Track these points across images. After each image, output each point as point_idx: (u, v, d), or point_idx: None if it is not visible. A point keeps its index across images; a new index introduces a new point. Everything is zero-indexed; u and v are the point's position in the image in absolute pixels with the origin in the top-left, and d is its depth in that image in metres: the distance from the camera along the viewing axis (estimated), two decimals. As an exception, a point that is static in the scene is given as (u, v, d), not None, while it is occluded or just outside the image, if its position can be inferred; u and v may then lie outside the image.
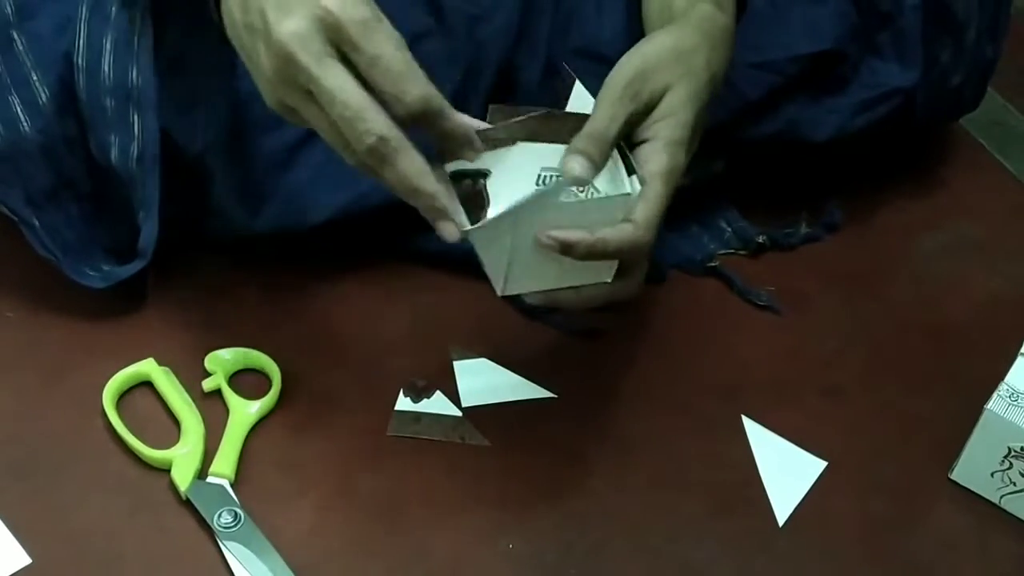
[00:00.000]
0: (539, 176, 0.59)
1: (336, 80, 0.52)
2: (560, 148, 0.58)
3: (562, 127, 0.59)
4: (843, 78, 0.80)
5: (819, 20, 0.78)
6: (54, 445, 0.64)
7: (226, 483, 0.62)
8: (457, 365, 0.70)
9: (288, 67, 0.52)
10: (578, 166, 0.57)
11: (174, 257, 0.73)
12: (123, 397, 0.67)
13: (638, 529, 0.63)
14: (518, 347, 0.72)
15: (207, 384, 0.67)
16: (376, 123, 0.52)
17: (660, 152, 0.59)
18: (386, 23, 0.53)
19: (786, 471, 0.66)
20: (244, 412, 0.65)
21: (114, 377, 0.66)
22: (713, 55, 0.62)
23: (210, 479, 0.62)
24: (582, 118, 0.59)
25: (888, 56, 0.80)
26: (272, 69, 0.53)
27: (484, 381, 0.70)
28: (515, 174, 0.58)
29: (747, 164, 0.81)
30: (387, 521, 0.62)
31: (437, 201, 0.55)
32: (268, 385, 0.68)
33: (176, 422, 0.65)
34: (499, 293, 0.60)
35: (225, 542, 0.59)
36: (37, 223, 0.67)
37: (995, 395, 0.63)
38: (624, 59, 0.60)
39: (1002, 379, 0.64)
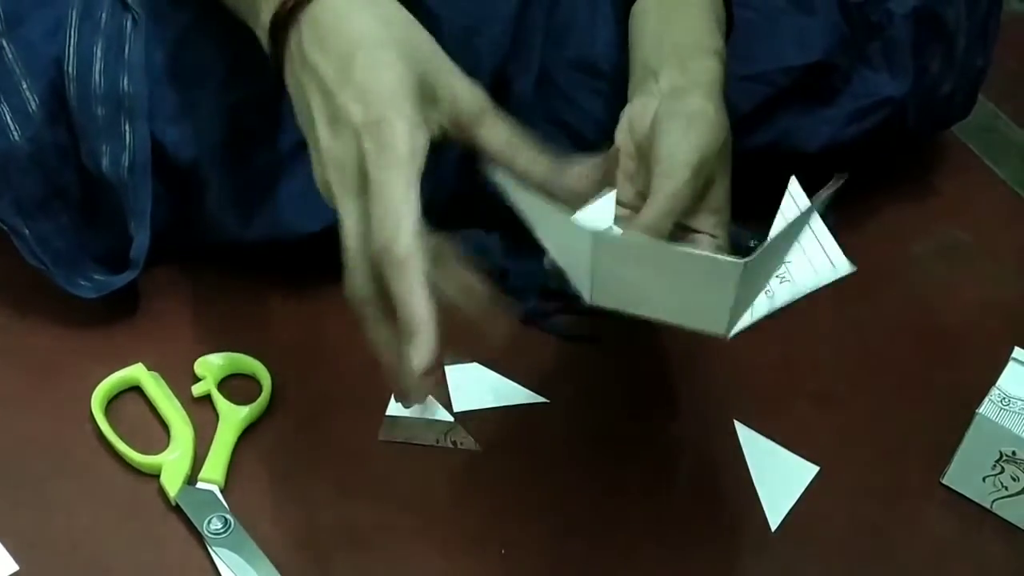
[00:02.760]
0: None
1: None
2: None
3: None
4: (834, 88, 0.80)
5: (809, 31, 0.79)
6: (42, 451, 0.64)
7: (216, 489, 0.61)
8: (449, 370, 0.70)
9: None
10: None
11: (164, 263, 0.73)
12: (112, 402, 0.66)
13: (631, 534, 0.62)
14: (510, 352, 0.72)
15: (197, 389, 0.66)
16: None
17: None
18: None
19: (778, 476, 0.66)
20: (234, 417, 0.65)
21: (103, 382, 0.66)
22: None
23: (200, 485, 0.62)
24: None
25: (879, 66, 0.81)
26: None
27: (476, 386, 0.70)
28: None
29: (740, 174, 0.81)
30: (378, 527, 0.61)
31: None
32: (258, 390, 0.67)
33: (165, 427, 0.65)
34: (587, 301, 0.52)
35: (215, 548, 0.58)
36: (27, 232, 0.67)
37: (987, 399, 0.63)
38: (678, 145, 0.58)
39: (993, 384, 0.64)
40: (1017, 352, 0.66)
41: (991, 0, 0.85)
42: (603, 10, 0.77)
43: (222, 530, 0.59)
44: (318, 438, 0.66)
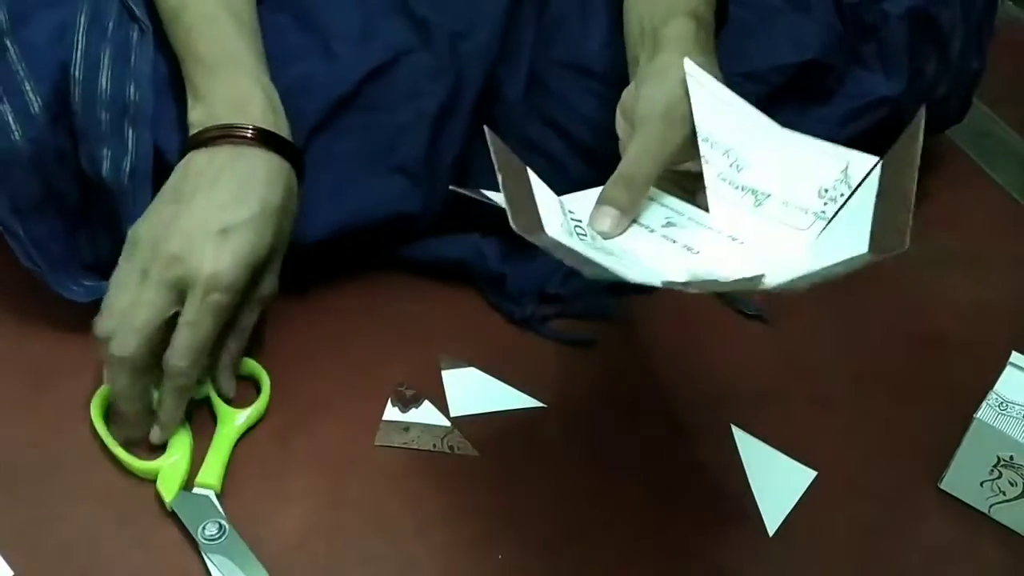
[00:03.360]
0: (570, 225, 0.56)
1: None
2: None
3: None
4: (829, 88, 0.80)
5: (804, 30, 0.79)
6: (38, 456, 0.63)
7: (212, 494, 0.61)
8: (446, 374, 0.70)
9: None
10: (608, 222, 0.57)
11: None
12: (110, 407, 0.66)
13: (628, 539, 0.62)
14: (508, 356, 0.72)
15: (195, 393, 0.66)
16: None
17: None
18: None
19: (776, 481, 0.66)
20: (232, 422, 0.65)
21: (102, 387, 0.65)
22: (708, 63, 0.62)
23: (196, 490, 0.61)
24: None
25: (873, 67, 0.81)
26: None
27: (473, 391, 0.69)
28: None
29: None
30: (375, 532, 0.61)
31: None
32: (256, 393, 0.67)
33: None
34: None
35: (209, 555, 0.58)
36: (22, 233, 0.67)
37: (984, 404, 0.63)
38: (647, 100, 0.59)
39: (991, 388, 0.64)
40: (1015, 356, 0.66)
41: (986, 3, 0.85)
42: (593, 11, 0.77)
43: (217, 536, 0.59)
44: (315, 443, 0.65)
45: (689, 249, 0.57)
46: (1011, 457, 0.62)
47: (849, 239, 0.49)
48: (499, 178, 0.51)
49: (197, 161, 0.63)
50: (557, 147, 0.76)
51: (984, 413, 0.63)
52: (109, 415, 0.65)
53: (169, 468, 0.62)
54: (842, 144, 0.79)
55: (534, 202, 0.54)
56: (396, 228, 0.74)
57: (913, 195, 0.47)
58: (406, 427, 0.67)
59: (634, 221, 0.58)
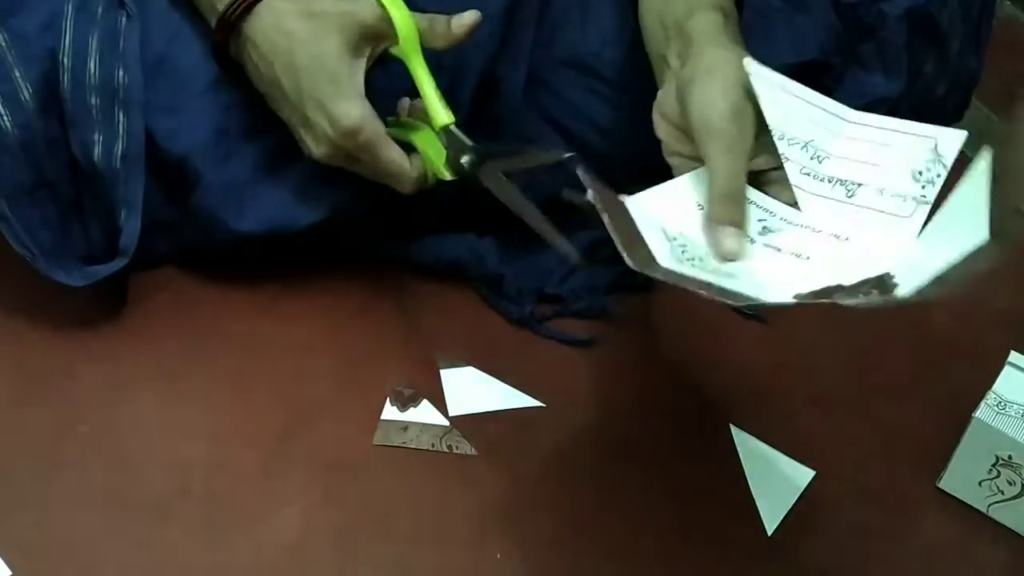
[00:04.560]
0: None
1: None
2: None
3: None
4: (828, 88, 0.80)
5: (804, 30, 0.79)
6: (34, 455, 0.63)
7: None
8: (444, 374, 0.70)
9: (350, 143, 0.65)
10: (732, 242, 0.55)
11: (154, 266, 0.72)
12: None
13: (626, 538, 0.62)
14: (506, 355, 0.72)
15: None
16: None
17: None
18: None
19: (774, 480, 0.66)
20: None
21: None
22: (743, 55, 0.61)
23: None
24: None
25: (872, 67, 0.81)
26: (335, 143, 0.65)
27: (471, 390, 0.69)
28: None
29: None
30: (373, 531, 0.61)
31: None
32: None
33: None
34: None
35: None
36: (14, 218, 0.67)
37: (983, 403, 0.63)
38: (703, 104, 0.58)
39: (989, 388, 0.64)
40: (1013, 357, 0.66)
41: (984, 2, 0.85)
42: (593, 8, 0.77)
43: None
44: (314, 442, 0.65)
45: (798, 256, 0.55)
46: (1009, 456, 0.62)
47: (962, 229, 0.47)
48: (604, 217, 0.50)
49: (262, 47, 0.65)
50: (556, 145, 0.76)
51: (983, 413, 0.63)
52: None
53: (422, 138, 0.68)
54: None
55: (641, 235, 0.53)
56: (390, 221, 0.74)
57: None
58: (405, 426, 0.67)
59: None
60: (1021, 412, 0.63)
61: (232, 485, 0.62)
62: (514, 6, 0.75)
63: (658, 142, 0.63)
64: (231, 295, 0.73)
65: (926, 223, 0.54)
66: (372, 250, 0.75)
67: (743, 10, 0.74)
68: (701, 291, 0.49)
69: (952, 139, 0.55)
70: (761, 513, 0.64)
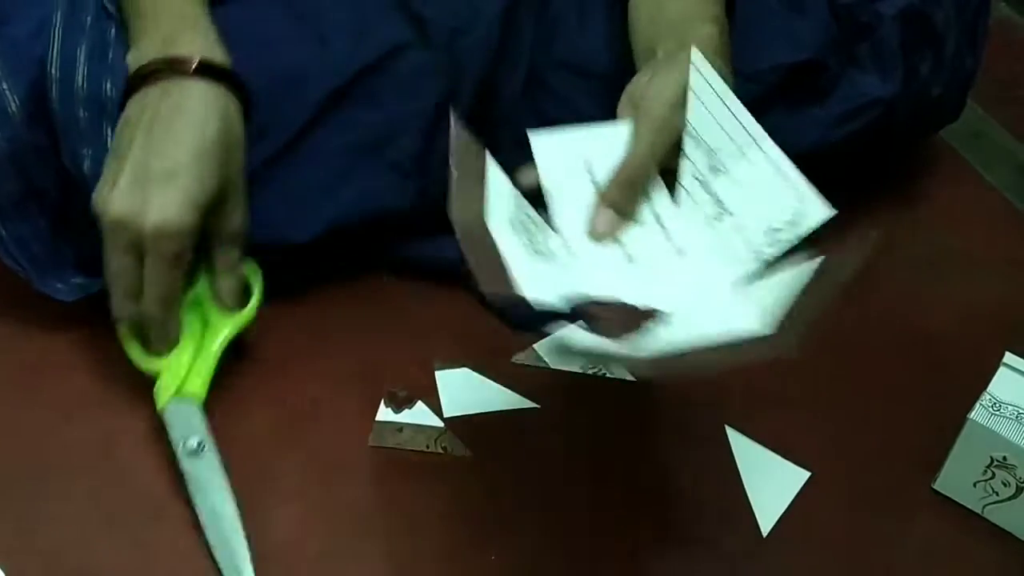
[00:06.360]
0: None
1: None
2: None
3: None
4: (823, 89, 0.80)
5: (799, 30, 0.79)
6: (29, 457, 0.63)
7: (198, 404, 0.63)
8: (439, 375, 0.70)
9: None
10: (603, 223, 0.57)
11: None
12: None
13: (622, 540, 0.62)
14: (501, 357, 0.71)
15: (188, 297, 0.67)
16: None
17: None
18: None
19: (770, 481, 0.66)
20: (220, 330, 0.66)
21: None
22: (728, 75, 0.62)
23: (181, 399, 0.63)
24: None
25: (868, 67, 0.81)
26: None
27: (466, 391, 0.69)
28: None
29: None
30: (368, 532, 0.61)
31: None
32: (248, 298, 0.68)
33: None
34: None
35: (184, 466, 0.61)
36: (4, 232, 0.66)
37: (977, 405, 0.63)
38: (659, 85, 0.59)
39: (984, 389, 0.64)
40: (1008, 358, 0.66)
41: (980, 2, 0.85)
42: (592, 10, 0.77)
43: (196, 449, 0.61)
44: (308, 443, 0.65)
45: (630, 259, 0.57)
46: (1004, 458, 0.62)
47: (751, 312, 0.49)
48: (452, 158, 0.52)
49: (131, 109, 0.63)
50: None
51: (977, 414, 0.63)
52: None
53: (170, 368, 0.64)
54: (836, 145, 0.79)
55: (484, 193, 0.54)
56: (390, 226, 0.73)
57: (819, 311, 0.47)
58: (399, 428, 0.67)
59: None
60: (1016, 413, 0.63)
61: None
62: (513, 8, 0.75)
63: None
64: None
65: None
66: (367, 251, 0.75)
67: (736, 10, 0.74)
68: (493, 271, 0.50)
69: (817, 212, 0.55)
70: (756, 514, 0.64)
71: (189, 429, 0.62)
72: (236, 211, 0.65)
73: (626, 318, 0.53)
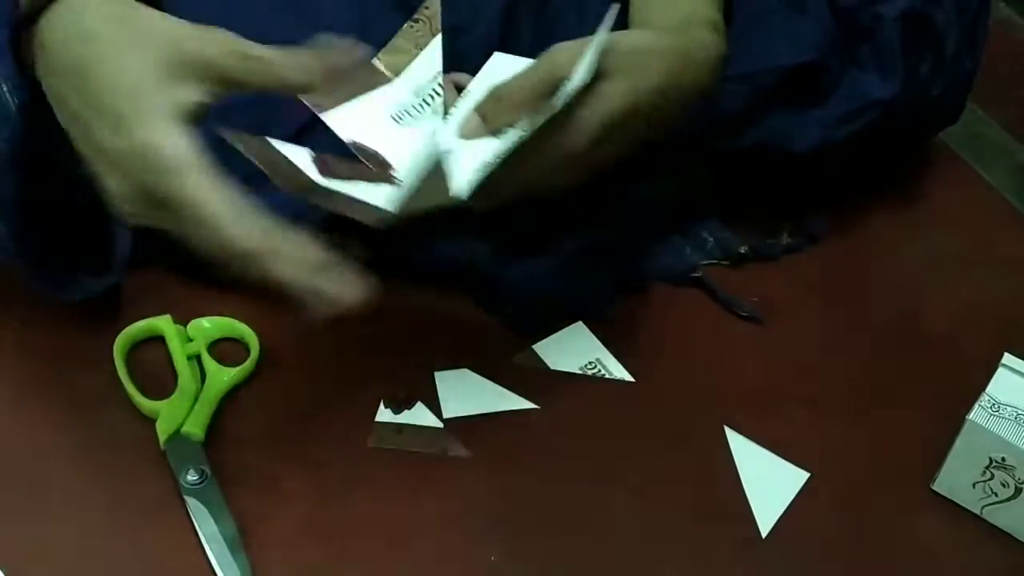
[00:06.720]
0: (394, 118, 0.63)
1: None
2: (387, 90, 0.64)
3: None
4: (824, 90, 0.80)
5: (799, 32, 0.79)
6: (29, 456, 0.63)
7: (197, 443, 0.64)
8: (439, 376, 0.70)
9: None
10: (468, 128, 0.59)
11: (148, 269, 0.72)
12: (134, 350, 0.69)
13: (621, 540, 0.62)
14: (501, 358, 0.71)
15: (188, 349, 0.68)
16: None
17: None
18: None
19: (769, 482, 0.66)
20: (220, 378, 0.67)
21: (128, 328, 0.68)
22: (685, 74, 0.61)
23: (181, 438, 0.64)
24: None
25: (868, 68, 0.81)
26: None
27: (466, 392, 0.69)
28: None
29: (729, 175, 0.81)
30: (366, 534, 0.61)
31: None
32: (246, 354, 0.69)
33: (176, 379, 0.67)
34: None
35: (187, 498, 0.61)
36: (5, 232, 0.67)
37: (976, 405, 0.63)
38: (594, 43, 0.59)
39: (983, 390, 0.64)
40: (1007, 358, 0.66)
41: (980, 3, 0.85)
42: (591, 10, 0.77)
43: (198, 482, 0.61)
44: (306, 445, 0.65)
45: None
46: (1003, 459, 0.62)
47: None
48: (251, 158, 0.55)
49: (48, 81, 0.54)
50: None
51: (976, 414, 0.63)
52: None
53: (168, 411, 0.64)
54: (837, 146, 0.79)
55: (290, 162, 0.58)
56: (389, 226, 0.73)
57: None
58: (398, 429, 0.67)
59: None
60: (1015, 414, 0.63)
61: (225, 487, 0.62)
62: (512, 7, 0.75)
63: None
64: (222, 304, 0.72)
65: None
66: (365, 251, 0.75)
67: (736, 11, 0.74)
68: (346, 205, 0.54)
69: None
70: (755, 515, 0.64)
71: (189, 463, 0.62)
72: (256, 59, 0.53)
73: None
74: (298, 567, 0.59)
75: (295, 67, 0.53)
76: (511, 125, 0.60)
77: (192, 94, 0.50)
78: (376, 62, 0.66)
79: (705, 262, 0.79)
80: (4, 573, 0.58)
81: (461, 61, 0.73)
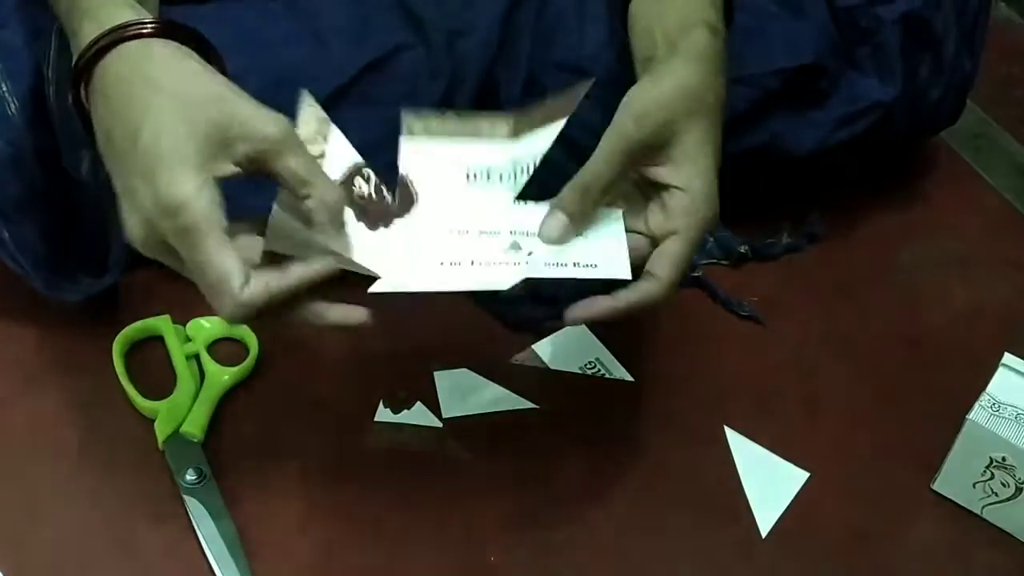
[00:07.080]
0: (468, 174, 0.59)
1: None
2: (487, 146, 0.59)
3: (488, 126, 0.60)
4: (824, 92, 0.80)
5: (800, 34, 0.79)
6: (25, 454, 0.63)
7: (197, 442, 0.64)
8: (438, 376, 0.70)
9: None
10: (556, 229, 0.56)
11: (146, 267, 0.72)
12: (133, 350, 0.69)
13: (620, 540, 0.62)
14: (499, 358, 0.71)
15: (186, 349, 0.69)
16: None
17: (686, 203, 0.58)
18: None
19: (769, 482, 0.66)
20: (219, 378, 0.67)
21: (128, 327, 0.69)
22: (717, 83, 0.61)
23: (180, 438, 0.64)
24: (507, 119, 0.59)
25: (868, 71, 0.81)
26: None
27: (465, 392, 0.69)
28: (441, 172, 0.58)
29: (729, 176, 0.81)
30: (366, 532, 0.61)
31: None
32: (245, 353, 0.69)
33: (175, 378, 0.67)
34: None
35: (185, 497, 0.61)
36: (6, 235, 0.66)
37: (976, 405, 0.63)
38: (628, 103, 0.58)
39: (983, 389, 0.64)
40: (1007, 358, 0.66)
41: (979, 4, 0.85)
42: (591, 12, 0.77)
43: (196, 481, 0.62)
44: (306, 444, 0.65)
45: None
46: (1003, 458, 0.62)
47: None
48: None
49: (98, 111, 0.54)
50: (554, 150, 0.76)
51: (976, 414, 0.63)
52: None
53: (167, 411, 0.64)
54: (837, 148, 0.79)
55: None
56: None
57: None
58: (398, 428, 0.67)
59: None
60: (1015, 414, 0.63)
61: (225, 484, 0.62)
62: (512, 10, 0.75)
63: None
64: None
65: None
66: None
67: (736, 14, 0.74)
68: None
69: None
70: (755, 514, 0.64)
71: (188, 463, 0.62)
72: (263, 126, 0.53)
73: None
74: (297, 566, 0.59)
75: (329, 190, 0.54)
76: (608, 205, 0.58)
77: (228, 169, 0.52)
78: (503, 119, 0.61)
79: (705, 262, 0.80)
80: (4, 573, 0.58)
81: (462, 64, 0.73)
